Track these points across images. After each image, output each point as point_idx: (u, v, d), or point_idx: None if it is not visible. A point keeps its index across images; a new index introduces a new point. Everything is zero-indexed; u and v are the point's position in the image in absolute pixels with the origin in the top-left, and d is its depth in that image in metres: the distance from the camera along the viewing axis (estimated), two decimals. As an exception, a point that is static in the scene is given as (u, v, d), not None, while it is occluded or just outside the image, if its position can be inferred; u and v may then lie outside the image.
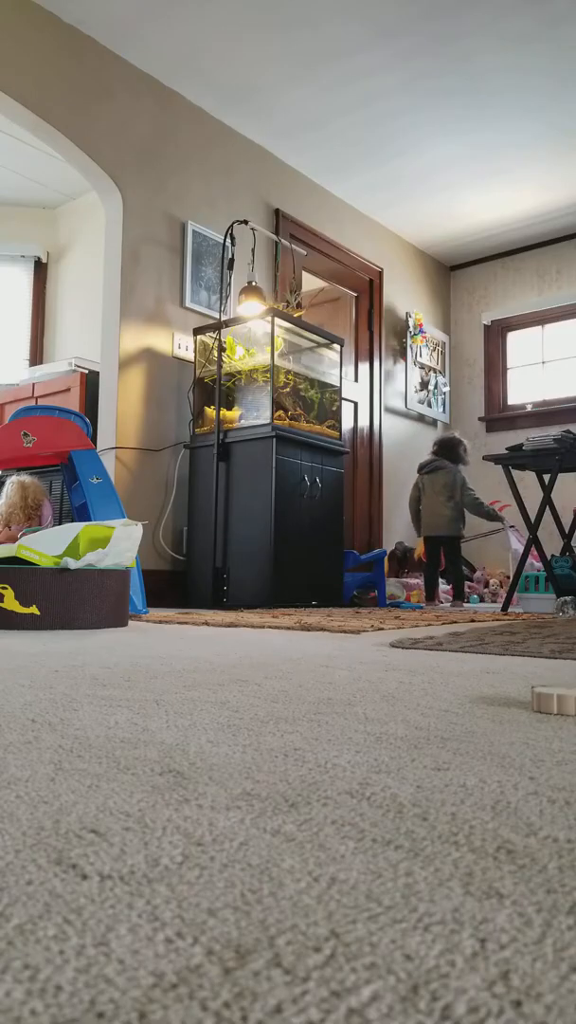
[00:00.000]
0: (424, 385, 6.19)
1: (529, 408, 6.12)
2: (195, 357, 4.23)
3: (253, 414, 3.99)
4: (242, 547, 3.82)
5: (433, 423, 6.32)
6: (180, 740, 0.76)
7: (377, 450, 5.68)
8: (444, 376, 6.42)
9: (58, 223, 5.51)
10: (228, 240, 4.26)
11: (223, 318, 4.18)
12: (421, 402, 6.14)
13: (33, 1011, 0.28)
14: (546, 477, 4.00)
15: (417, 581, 5.23)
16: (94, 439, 3.76)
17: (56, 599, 2.32)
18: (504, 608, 4.05)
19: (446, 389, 6.43)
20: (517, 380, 6.33)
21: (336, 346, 4.43)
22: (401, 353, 5.99)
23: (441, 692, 1.13)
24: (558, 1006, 0.29)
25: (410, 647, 1.85)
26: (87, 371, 4.24)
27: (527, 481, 4.82)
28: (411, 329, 6.01)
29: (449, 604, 4.74)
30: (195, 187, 4.42)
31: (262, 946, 0.33)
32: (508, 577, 4.99)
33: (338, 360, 4.44)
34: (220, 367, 4.03)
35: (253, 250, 4.37)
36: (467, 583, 5.38)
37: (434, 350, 6.30)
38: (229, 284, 4.36)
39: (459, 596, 4.69)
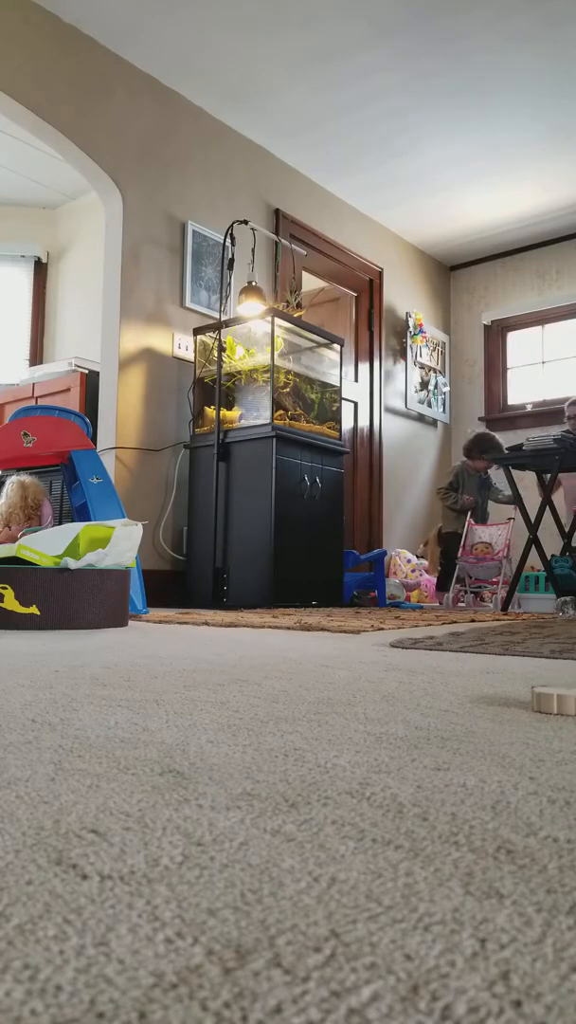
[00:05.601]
0: (424, 385, 6.19)
1: (529, 408, 6.12)
2: (195, 357, 4.23)
3: (253, 414, 3.99)
4: (242, 547, 3.82)
5: (433, 423, 6.32)
6: (180, 740, 0.76)
7: (377, 450, 5.68)
8: (444, 376, 6.42)
9: (58, 223, 5.51)
10: (228, 240, 4.26)
11: (223, 318, 4.18)
12: (421, 402, 6.13)
13: (33, 1011, 0.28)
14: (546, 477, 4.00)
15: (417, 581, 5.22)
16: (94, 439, 3.76)
17: (56, 599, 2.32)
18: (504, 608, 4.05)
19: (446, 389, 6.43)
20: (517, 380, 6.33)
21: (336, 346, 4.43)
22: (401, 353, 5.99)
23: (441, 692, 1.12)
24: (558, 1006, 0.29)
25: (410, 647, 1.85)
26: (87, 371, 4.24)
27: (527, 481, 4.81)
28: (411, 329, 6.00)
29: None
30: (195, 187, 4.42)
31: (262, 946, 0.33)
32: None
33: (338, 360, 4.44)
34: (220, 367, 4.03)
35: (253, 250, 4.37)
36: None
37: (434, 350, 6.30)
38: (229, 284, 4.35)
39: (440, 588, 4.90)
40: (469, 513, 4.83)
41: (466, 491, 4.97)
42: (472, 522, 4.76)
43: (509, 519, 4.74)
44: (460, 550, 4.63)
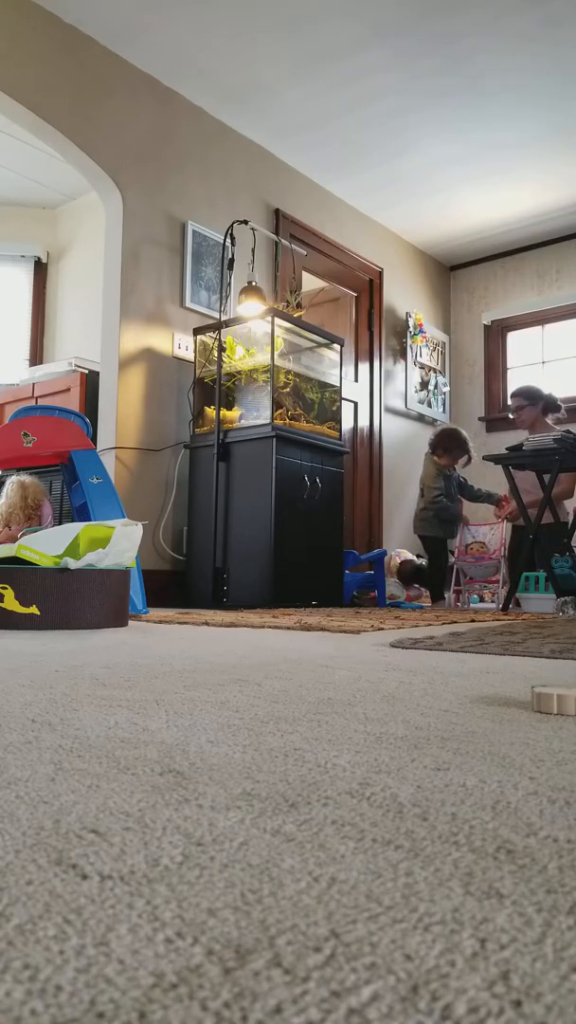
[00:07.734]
0: (424, 385, 6.19)
1: (529, 408, 6.11)
2: (195, 357, 4.23)
3: (253, 414, 3.99)
4: (242, 547, 3.82)
5: (433, 423, 6.31)
6: (180, 740, 0.76)
7: (377, 450, 5.68)
8: (444, 376, 6.42)
9: (58, 223, 5.51)
10: (228, 240, 4.26)
11: (223, 318, 4.17)
12: (421, 402, 6.13)
13: (33, 1011, 0.28)
14: (546, 477, 4.00)
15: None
16: (94, 439, 3.76)
17: (56, 599, 2.32)
18: (504, 608, 4.05)
19: (446, 389, 6.43)
20: (517, 380, 6.32)
21: (336, 346, 4.43)
22: (401, 353, 5.99)
23: (441, 692, 1.12)
24: (558, 1006, 0.29)
25: (410, 647, 1.85)
26: (87, 371, 4.24)
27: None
28: (411, 329, 6.00)
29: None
30: (195, 187, 4.42)
31: (262, 946, 0.33)
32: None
33: (338, 360, 4.44)
34: (220, 367, 4.03)
35: (253, 250, 4.37)
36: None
37: (434, 350, 6.30)
38: (229, 284, 4.35)
39: (434, 599, 4.68)
40: (460, 514, 4.78)
41: (449, 492, 4.71)
42: (467, 521, 4.75)
43: (503, 518, 4.73)
44: (456, 551, 4.60)
